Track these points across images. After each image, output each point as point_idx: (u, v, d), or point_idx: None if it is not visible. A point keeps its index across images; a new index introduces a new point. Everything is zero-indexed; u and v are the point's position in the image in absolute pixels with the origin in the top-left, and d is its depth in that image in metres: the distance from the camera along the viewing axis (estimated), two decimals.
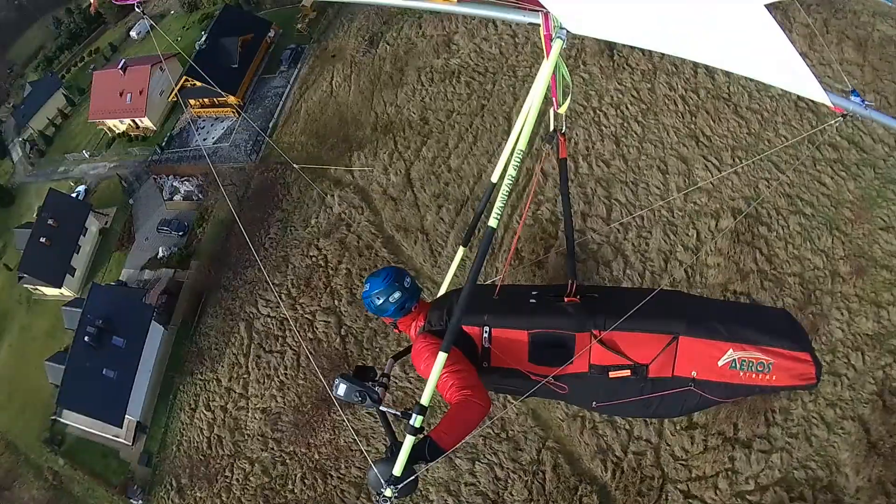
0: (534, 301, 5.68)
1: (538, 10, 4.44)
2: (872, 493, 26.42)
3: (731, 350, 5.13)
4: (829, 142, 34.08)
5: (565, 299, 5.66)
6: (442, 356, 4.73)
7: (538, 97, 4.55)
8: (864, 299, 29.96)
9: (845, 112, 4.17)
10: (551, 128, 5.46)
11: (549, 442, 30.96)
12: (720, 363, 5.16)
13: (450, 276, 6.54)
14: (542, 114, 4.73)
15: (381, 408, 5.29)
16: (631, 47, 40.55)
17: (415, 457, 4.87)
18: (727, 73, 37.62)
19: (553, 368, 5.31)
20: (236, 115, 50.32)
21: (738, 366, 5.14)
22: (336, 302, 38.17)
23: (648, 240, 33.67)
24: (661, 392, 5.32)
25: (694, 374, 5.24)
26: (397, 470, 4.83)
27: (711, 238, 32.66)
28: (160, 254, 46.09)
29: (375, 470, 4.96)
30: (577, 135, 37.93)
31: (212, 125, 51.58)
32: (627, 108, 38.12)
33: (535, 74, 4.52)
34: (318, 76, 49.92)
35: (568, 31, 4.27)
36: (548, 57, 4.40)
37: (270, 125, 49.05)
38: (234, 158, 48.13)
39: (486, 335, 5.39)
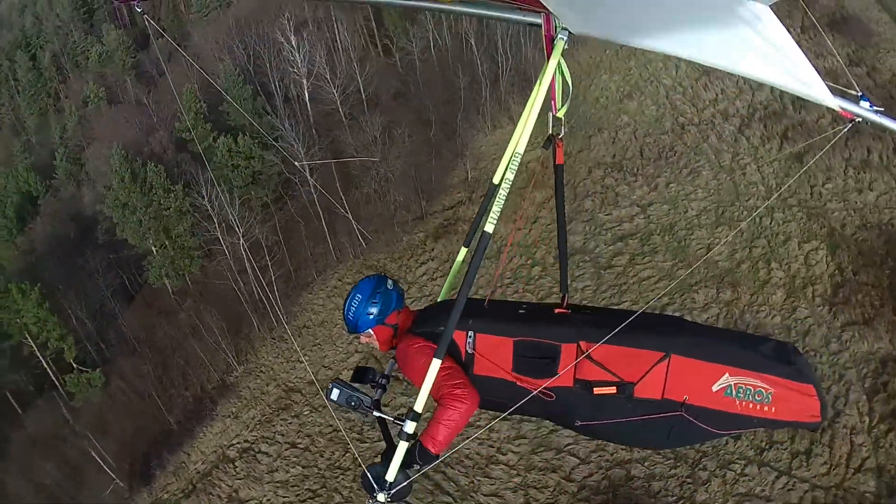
0: (523, 311, 5.89)
1: (539, 11, 4.77)
2: None
3: (727, 374, 5.19)
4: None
5: (555, 311, 5.91)
6: (436, 363, 5.01)
7: (539, 99, 4.86)
8: (762, 292, 37.28)
9: (855, 117, 4.34)
10: (549, 132, 5.73)
11: None
12: (715, 388, 5.22)
13: (452, 277, 6.63)
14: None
15: (374, 413, 5.65)
16: None
17: (408, 462, 5.30)
18: None
19: (536, 380, 5.41)
20: None
21: (733, 392, 5.19)
22: None
23: None
24: (649, 415, 5.33)
25: (686, 398, 5.26)
26: (390, 475, 5.26)
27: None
28: None
29: (368, 474, 5.37)
30: None
31: None
32: None
33: None
34: None
35: (570, 32, 4.60)
36: (548, 59, 4.75)
37: None
38: None
39: (470, 340, 5.53)
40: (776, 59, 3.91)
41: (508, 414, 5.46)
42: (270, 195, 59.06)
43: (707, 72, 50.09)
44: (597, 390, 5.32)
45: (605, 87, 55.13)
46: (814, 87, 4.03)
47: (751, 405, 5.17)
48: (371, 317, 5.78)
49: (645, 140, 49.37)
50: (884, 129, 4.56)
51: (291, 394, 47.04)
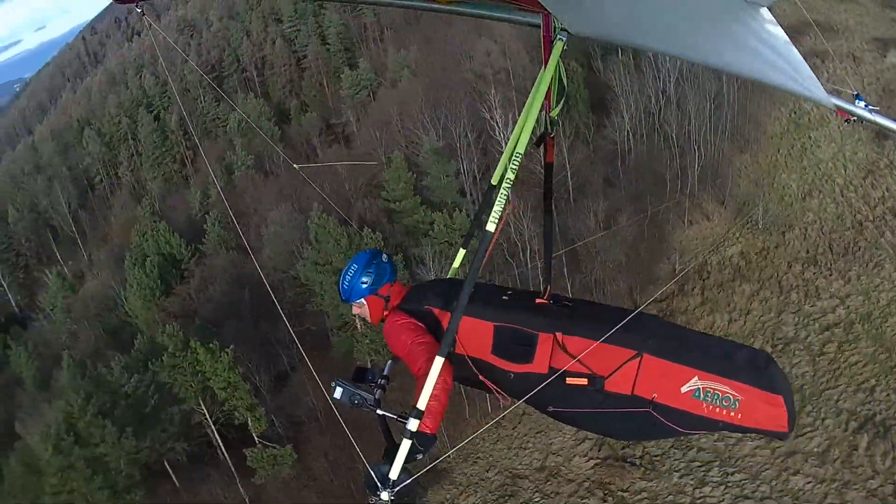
0: (506, 298, 6.21)
1: (538, 12, 5.03)
2: None
3: (696, 378, 5.49)
4: None
5: (536, 301, 6.23)
6: (439, 360, 5.27)
7: (538, 100, 5.15)
8: None
9: (851, 116, 4.47)
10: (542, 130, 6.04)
11: None
12: (683, 389, 5.51)
13: (450, 277, 6.93)
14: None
15: (377, 411, 5.87)
16: None
17: (410, 455, 5.48)
18: None
19: (513, 364, 5.83)
20: None
21: (701, 395, 5.48)
22: None
23: None
24: (618, 409, 5.66)
25: (654, 396, 5.58)
26: (393, 473, 5.45)
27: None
28: None
29: (372, 473, 5.51)
30: None
31: None
32: None
33: None
34: None
35: (568, 33, 4.84)
36: (546, 60, 5.03)
37: None
38: None
39: None
40: (773, 59, 4.03)
41: (522, 402, 5.83)
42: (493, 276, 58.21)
43: (872, 171, 57.26)
44: (569, 380, 5.68)
45: (787, 185, 60.15)
46: (810, 87, 4.13)
47: (717, 409, 5.47)
48: (365, 286, 6.17)
49: (831, 236, 54.86)
50: (879, 127, 4.61)
51: (517, 480, 47.56)
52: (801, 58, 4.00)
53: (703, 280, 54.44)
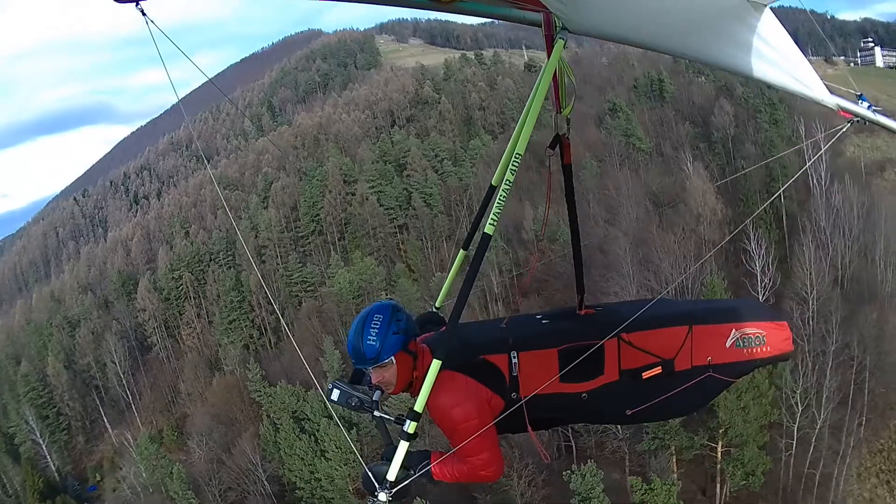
0: (546, 322, 6.56)
1: (539, 10, 5.26)
2: None
3: (733, 330, 6.51)
4: None
5: (580, 312, 6.70)
6: (436, 364, 5.29)
7: (538, 100, 5.32)
8: None
9: (853, 117, 4.68)
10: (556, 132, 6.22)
11: None
12: (727, 344, 6.50)
13: (449, 280, 6.96)
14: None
15: (375, 413, 5.84)
16: None
17: (408, 464, 5.71)
18: None
19: (585, 384, 6.16)
20: None
21: (741, 343, 6.53)
22: None
23: None
24: (687, 384, 6.39)
25: (709, 359, 6.43)
26: (391, 475, 5.56)
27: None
28: None
29: (370, 473, 5.68)
30: None
31: None
32: None
33: None
34: None
35: (569, 32, 5.00)
36: (549, 59, 5.21)
37: None
38: None
39: (514, 361, 6.01)
40: (776, 59, 4.31)
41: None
42: None
43: None
44: (646, 374, 6.30)
45: None
46: (813, 87, 4.39)
47: (754, 350, 6.60)
48: (397, 337, 5.70)
49: None
50: (882, 128, 4.79)
51: None
52: (804, 57, 4.26)
53: None
